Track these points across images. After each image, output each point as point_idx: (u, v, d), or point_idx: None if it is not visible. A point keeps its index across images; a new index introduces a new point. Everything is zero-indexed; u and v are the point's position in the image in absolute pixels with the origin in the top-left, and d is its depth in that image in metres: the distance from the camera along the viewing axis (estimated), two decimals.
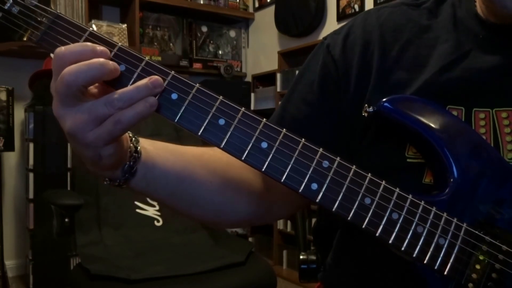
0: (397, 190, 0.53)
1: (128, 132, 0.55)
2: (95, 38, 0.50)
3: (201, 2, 3.35)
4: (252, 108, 3.37)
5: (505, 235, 0.54)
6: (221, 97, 0.51)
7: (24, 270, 2.75)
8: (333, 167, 0.52)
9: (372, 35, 0.68)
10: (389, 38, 0.67)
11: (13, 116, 2.37)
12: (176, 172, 0.60)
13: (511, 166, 0.57)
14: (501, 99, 0.60)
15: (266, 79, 3.39)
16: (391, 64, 0.65)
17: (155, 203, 2.07)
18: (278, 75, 3.17)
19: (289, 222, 3.07)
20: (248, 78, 3.63)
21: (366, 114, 0.58)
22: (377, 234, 0.52)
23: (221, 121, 0.50)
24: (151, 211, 2.06)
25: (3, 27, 0.50)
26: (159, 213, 2.06)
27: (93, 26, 2.80)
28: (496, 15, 0.62)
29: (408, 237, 0.52)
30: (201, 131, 0.50)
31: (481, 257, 0.53)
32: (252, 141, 0.51)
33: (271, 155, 0.51)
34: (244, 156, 0.51)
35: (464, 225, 0.54)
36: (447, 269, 0.53)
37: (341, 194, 0.51)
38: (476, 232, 0.54)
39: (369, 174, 0.53)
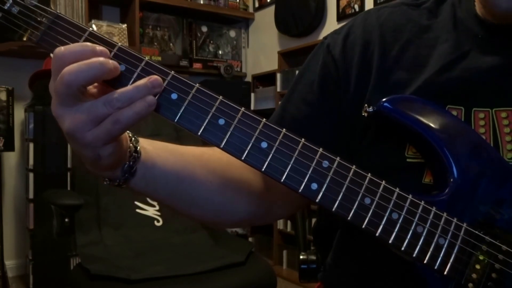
0: (397, 190, 0.53)
1: (128, 132, 0.55)
2: (94, 38, 0.50)
3: (201, 2, 3.35)
4: (252, 108, 3.37)
5: (505, 235, 0.54)
6: (221, 97, 0.51)
7: (24, 270, 2.75)
8: (333, 167, 0.52)
9: (372, 35, 0.68)
10: (389, 38, 0.67)
11: (13, 116, 2.37)
12: (176, 172, 0.60)
13: (511, 166, 0.57)
14: (501, 99, 0.60)
15: (266, 79, 3.39)
16: (391, 64, 0.65)
17: (155, 203, 2.07)
18: (278, 75, 3.17)
19: (289, 222, 3.07)
20: (248, 78, 3.63)
21: (366, 114, 0.58)
22: (377, 234, 0.52)
23: (221, 121, 0.50)
24: (151, 211, 2.06)
25: (2, 27, 0.50)
26: (159, 213, 2.06)
27: (93, 26, 2.80)
28: (493, 15, 0.62)
29: (408, 237, 0.52)
30: (201, 131, 0.50)
31: (481, 257, 0.53)
32: (252, 141, 0.51)
33: (271, 155, 0.51)
34: (244, 156, 0.51)
35: (464, 225, 0.54)
36: (447, 269, 0.53)
37: (341, 194, 0.51)
38: (476, 232, 0.54)
39: (369, 174, 0.53)
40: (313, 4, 2.92)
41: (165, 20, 3.33)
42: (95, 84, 0.50)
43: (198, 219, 0.70)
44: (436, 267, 0.53)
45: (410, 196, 0.53)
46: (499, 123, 0.60)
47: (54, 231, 1.68)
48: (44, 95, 2.32)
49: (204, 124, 0.50)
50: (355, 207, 0.51)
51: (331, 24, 2.92)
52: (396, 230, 0.52)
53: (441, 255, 0.53)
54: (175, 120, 0.50)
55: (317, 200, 0.51)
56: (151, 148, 0.58)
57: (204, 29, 3.51)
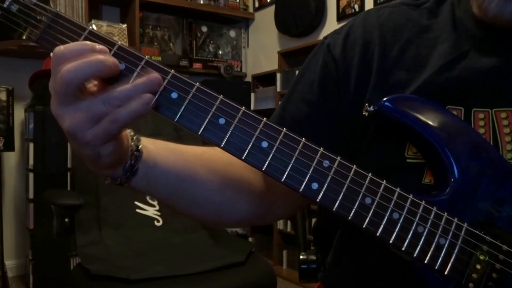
0: (398, 190, 0.53)
1: (130, 130, 0.55)
2: (94, 36, 0.50)
3: (201, 2, 3.35)
4: (252, 108, 3.37)
5: (506, 235, 0.54)
6: (221, 96, 0.51)
7: (24, 270, 2.75)
8: (333, 166, 0.52)
9: (372, 35, 0.68)
10: (389, 38, 0.67)
11: (13, 116, 2.37)
12: (177, 171, 0.60)
13: (511, 165, 0.57)
14: (501, 99, 0.60)
15: (266, 79, 3.39)
16: (391, 64, 0.65)
17: (155, 203, 2.07)
18: (278, 75, 3.17)
19: (289, 222, 3.07)
20: (248, 78, 3.63)
21: (366, 114, 0.58)
22: (377, 234, 0.52)
23: (222, 120, 0.50)
24: (151, 211, 2.06)
25: (2, 26, 0.50)
26: (159, 213, 2.06)
27: (93, 26, 2.80)
28: (487, 17, 0.62)
29: (409, 237, 0.52)
30: (201, 130, 0.50)
31: (481, 257, 0.53)
32: (253, 140, 0.51)
33: (271, 154, 0.51)
34: (245, 155, 0.50)
35: (465, 225, 0.54)
36: (447, 269, 0.53)
37: (342, 193, 0.51)
38: (477, 232, 0.54)
39: (370, 173, 0.53)
40: (313, 4, 2.92)
41: (165, 20, 3.33)
42: (95, 82, 0.50)
43: (198, 219, 0.70)
44: (436, 267, 0.52)
45: (410, 196, 0.53)
46: (498, 123, 0.60)
47: (54, 231, 1.68)
48: (44, 95, 2.32)
49: (205, 124, 0.50)
50: (355, 207, 0.51)
51: (331, 24, 2.92)
52: (396, 230, 0.52)
53: (442, 255, 0.53)
54: (175, 120, 0.50)
55: (317, 200, 0.51)
56: (153, 147, 0.58)
57: (204, 29, 3.51)
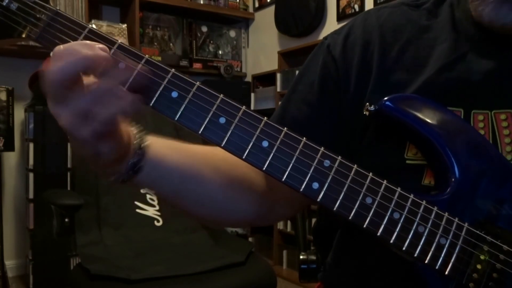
0: (399, 189, 0.53)
1: (134, 128, 0.55)
2: (94, 35, 0.50)
3: (201, 2, 3.35)
4: (252, 108, 3.37)
5: (506, 235, 0.54)
6: (221, 96, 0.51)
7: (24, 270, 2.75)
8: (334, 166, 0.52)
9: (372, 35, 0.68)
10: (389, 39, 0.67)
11: (13, 116, 2.37)
12: (182, 169, 0.59)
13: (511, 165, 0.57)
14: (500, 101, 0.60)
15: (266, 79, 3.39)
16: (391, 64, 0.65)
17: (155, 203, 2.07)
18: (278, 75, 3.17)
19: (289, 222, 3.07)
20: (248, 78, 3.63)
21: (367, 113, 0.58)
22: (378, 234, 0.52)
23: (222, 120, 0.50)
24: (151, 211, 2.06)
25: (1, 24, 0.50)
26: (159, 213, 2.06)
27: (93, 26, 2.79)
28: (484, 20, 0.62)
29: (410, 236, 0.52)
30: (201, 130, 0.50)
31: (482, 257, 0.53)
32: (253, 140, 0.50)
33: (272, 154, 0.50)
34: (245, 155, 0.50)
35: (466, 224, 0.54)
36: (448, 269, 0.53)
37: (342, 193, 0.51)
38: (477, 232, 0.54)
39: (371, 173, 0.52)
40: (313, 4, 2.92)
41: (165, 20, 3.33)
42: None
43: (201, 218, 0.70)
44: (437, 267, 0.52)
45: (411, 196, 0.53)
46: (498, 125, 0.60)
47: (54, 231, 1.68)
48: (44, 95, 2.32)
49: (205, 123, 0.50)
50: (356, 206, 0.51)
51: (331, 24, 2.92)
52: (397, 229, 0.52)
53: (443, 255, 0.53)
54: (176, 119, 0.50)
55: (318, 200, 0.51)
56: (158, 145, 0.58)
57: (204, 29, 3.51)
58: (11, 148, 2.37)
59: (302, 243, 1.18)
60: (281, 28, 3.18)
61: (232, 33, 3.65)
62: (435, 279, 0.53)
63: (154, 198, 2.09)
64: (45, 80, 0.46)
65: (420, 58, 0.64)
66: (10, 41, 0.51)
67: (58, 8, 0.51)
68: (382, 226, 0.52)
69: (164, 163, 0.57)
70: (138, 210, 2.04)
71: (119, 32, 2.92)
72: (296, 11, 3.02)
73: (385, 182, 0.53)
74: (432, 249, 0.52)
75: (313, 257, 1.06)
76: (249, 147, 0.50)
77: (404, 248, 0.52)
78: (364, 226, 0.51)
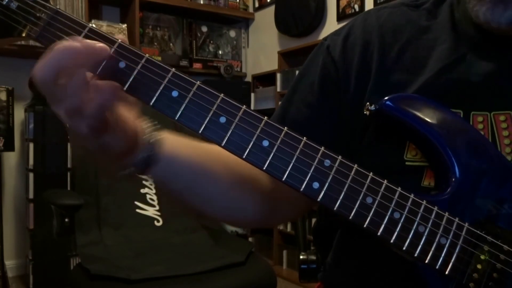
0: (399, 189, 0.53)
1: (147, 121, 0.55)
2: (94, 34, 0.50)
3: (201, 2, 3.35)
4: (252, 108, 3.33)
5: (507, 235, 0.54)
6: (222, 95, 0.51)
7: (24, 270, 2.75)
8: (334, 166, 0.51)
9: (371, 36, 0.68)
10: (389, 39, 0.67)
11: (13, 116, 2.37)
12: (195, 166, 0.59)
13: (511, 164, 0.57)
14: (499, 102, 0.60)
15: (266, 79, 3.39)
16: (390, 65, 0.65)
17: (155, 203, 2.07)
18: (278, 75, 3.17)
19: (289, 222, 3.07)
20: (248, 78, 3.63)
21: (367, 113, 0.58)
22: (378, 234, 0.52)
23: (222, 119, 0.50)
24: (151, 211, 2.06)
25: (1, 23, 0.49)
26: (159, 213, 2.06)
27: (93, 26, 2.79)
28: (480, 21, 0.62)
29: (410, 236, 0.52)
30: (202, 129, 0.50)
31: (482, 257, 0.53)
32: (254, 139, 0.50)
33: (272, 153, 0.50)
34: (245, 154, 0.50)
35: (466, 224, 0.54)
36: (448, 269, 0.52)
37: (343, 193, 0.51)
38: (478, 231, 0.54)
39: (371, 173, 0.52)
40: (313, 4, 2.92)
41: (165, 20, 3.33)
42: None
43: (210, 216, 0.69)
44: (437, 267, 0.52)
45: (412, 196, 0.53)
46: (497, 126, 0.60)
47: (54, 231, 1.68)
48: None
49: (205, 122, 0.50)
50: (356, 206, 0.51)
51: (331, 24, 2.92)
52: (397, 229, 0.52)
53: (443, 254, 0.52)
54: (176, 118, 0.50)
55: (318, 199, 0.51)
56: (172, 140, 0.58)
57: (204, 29, 3.51)
58: (11, 148, 2.37)
59: (302, 243, 1.18)
60: (281, 28, 3.18)
61: (232, 33, 3.65)
62: (435, 279, 0.53)
63: (154, 198, 2.09)
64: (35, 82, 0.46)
65: (419, 59, 0.65)
66: (10, 40, 0.51)
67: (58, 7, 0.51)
68: (383, 226, 0.52)
69: (178, 158, 0.57)
70: (138, 210, 2.04)
71: (119, 32, 2.92)
72: (296, 11, 3.02)
73: (385, 182, 0.52)
74: (433, 249, 0.52)
75: (313, 257, 1.06)
76: (250, 147, 0.50)
77: (404, 248, 0.52)
78: (365, 226, 0.51)
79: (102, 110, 0.46)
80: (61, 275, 2.23)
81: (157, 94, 0.49)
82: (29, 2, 0.50)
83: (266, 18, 3.42)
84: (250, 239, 3.33)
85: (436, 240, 0.52)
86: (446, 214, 0.53)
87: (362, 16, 0.72)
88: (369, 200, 0.52)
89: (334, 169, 0.51)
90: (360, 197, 0.51)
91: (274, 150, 0.50)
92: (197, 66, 3.41)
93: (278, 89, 3.15)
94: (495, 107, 0.60)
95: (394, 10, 0.70)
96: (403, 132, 0.60)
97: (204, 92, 0.50)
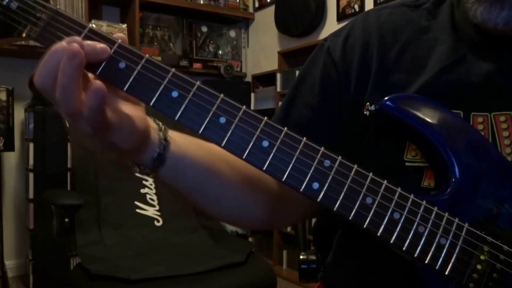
0: (399, 189, 0.53)
1: (155, 119, 0.55)
2: (95, 34, 0.50)
3: (201, 2, 3.35)
4: (252, 108, 3.33)
5: (506, 235, 0.54)
6: (222, 95, 0.51)
7: (24, 270, 2.75)
8: (334, 166, 0.52)
9: (371, 36, 0.68)
10: (389, 39, 0.67)
11: (13, 116, 2.37)
12: (204, 165, 0.59)
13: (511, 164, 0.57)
14: (499, 103, 0.60)
15: (266, 79, 3.39)
16: (390, 65, 0.65)
17: (155, 203, 2.07)
18: (278, 75, 3.17)
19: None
20: (248, 78, 3.63)
21: (367, 113, 0.58)
22: (378, 234, 0.52)
23: (222, 120, 0.50)
24: (151, 211, 2.06)
25: (1, 23, 0.49)
26: (159, 213, 2.06)
27: (93, 26, 2.79)
28: (478, 21, 0.62)
29: (410, 237, 0.52)
30: (201, 130, 0.50)
31: (482, 257, 0.53)
32: (253, 139, 0.50)
33: (272, 153, 0.50)
34: (245, 154, 0.50)
35: (466, 225, 0.54)
36: (448, 269, 0.53)
37: (343, 193, 0.51)
38: (478, 232, 0.54)
39: (371, 173, 0.52)
40: (313, 4, 2.92)
41: (165, 20, 3.33)
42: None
43: (219, 217, 0.69)
44: (437, 267, 0.52)
45: (411, 196, 0.53)
46: (497, 127, 0.60)
47: (54, 231, 1.68)
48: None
49: (205, 123, 0.50)
50: (356, 206, 0.51)
51: (331, 24, 2.92)
52: (397, 230, 0.52)
53: (443, 255, 0.53)
54: (176, 118, 0.50)
55: (318, 200, 0.51)
56: (179, 139, 0.57)
57: (204, 29, 3.51)
58: (11, 148, 2.37)
59: (302, 243, 1.18)
60: (281, 28, 3.18)
61: (232, 33, 3.65)
62: (435, 279, 0.53)
63: (154, 198, 2.09)
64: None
65: (419, 59, 0.65)
66: (10, 40, 0.51)
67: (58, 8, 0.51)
68: (382, 226, 0.52)
69: (188, 156, 0.57)
70: (138, 210, 2.04)
71: (119, 32, 2.92)
72: (296, 11, 3.01)
73: (385, 182, 0.52)
74: (432, 249, 0.52)
75: (313, 257, 1.06)
76: (249, 147, 0.50)
77: (404, 248, 0.52)
78: (364, 226, 0.51)
79: (95, 112, 0.46)
80: (61, 275, 2.23)
81: (157, 95, 0.49)
82: (29, 2, 0.50)
83: (266, 18, 3.42)
84: (250, 239, 3.33)
85: (436, 240, 0.52)
86: (446, 214, 0.53)
87: (362, 16, 0.72)
88: (369, 200, 0.52)
89: (334, 169, 0.51)
90: (360, 198, 0.51)
91: (274, 151, 0.50)
92: (197, 66, 3.41)
93: (278, 89, 3.15)
94: (495, 107, 0.60)
95: (394, 10, 0.70)
96: (403, 132, 0.60)
97: (204, 93, 0.50)
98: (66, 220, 1.64)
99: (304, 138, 0.52)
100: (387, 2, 0.86)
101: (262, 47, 3.53)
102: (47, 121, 2.33)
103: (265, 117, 0.51)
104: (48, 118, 2.33)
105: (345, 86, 0.67)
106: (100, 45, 0.48)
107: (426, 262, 0.52)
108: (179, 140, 0.57)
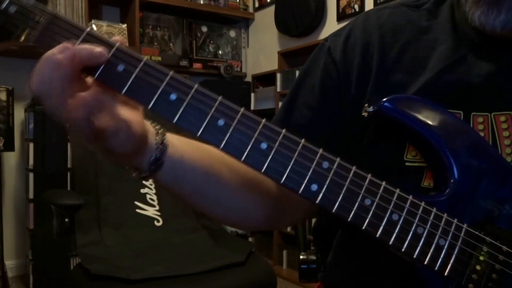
0: (397, 191, 0.53)
1: (154, 123, 0.55)
2: (93, 37, 0.50)
3: (201, 2, 3.35)
4: (252, 108, 3.37)
5: (506, 235, 0.54)
6: (220, 98, 0.51)
7: (24, 270, 2.75)
8: (333, 168, 0.51)
9: (372, 36, 0.68)
10: (389, 39, 0.67)
11: (13, 116, 2.37)
12: (203, 168, 0.59)
13: (511, 165, 0.57)
14: (499, 103, 0.60)
15: (266, 79, 3.38)
16: (390, 66, 0.65)
17: (155, 203, 2.07)
18: (278, 75, 3.17)
19: None
20: (248, 78, 3.63)
21: (366, 114, 0.58)
22: (377, 235, 0.52)
23: (220, 122, 0.50)
24: (151, 211, 2.06)
25: (0, 27, 0.50)
26: (159, 213, 2.06)
27: (93, 26, 2.80)
28: (476, 24, 0.62)
29: (409, 238, 0.52)
30: (200, 132, 0.50)
31: (481, 258, 0.53)
32: (252, 142, 0.50)
33: (270, 156, 0.50)
34: (244, 157, 0.50)
35: (465, 225, 0.54)
36: (447, 270, 0.53)
37: (341, 195, 0.51)
38: (477, 233, 0.54)
39: (369, 175, 0.52)
40: (313, 4, 2.92)
41: (165, 20, 3.33)
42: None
43: (220, 219, 0.69)
44: (436, 268, 0.52)
45: (410, 197, 0.53)
46: (498, 127, 0.60)
47: (54, 231, 1.68)
48: None
49: (204, 125, 0.50)
50: (355, 208, 0.51)
51: (331, 24, 2.92)
52: (396, 231, 0.52)
53: (442, 256, 0.53)
54: (174, 121, 0.50)
55: (317, 202, 0.51)
56: (178, 142, 0.57)
57: (204, 29, 3.51)
58: (11, 148, 2.37)
59: (302, 243, 1.18)
60: (281, 28, 3.18)
61: (232, 33, 3.65)
62: (435, 280, 0.53)
63: (154, 198, 2.09)
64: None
65: (419, 59, 0.65)
66: (8, 44, 0.51)
67: (58, 8, 0.51)
68: (381, 228, 0.52)
69: (186, 159, 0.57)
70: (138, 210, 2.04)
71: (119, 32, 2.92)
72: (296, 11, 3.01)
73: (383, 183, 0.52)
74: (431, 250, 0.52)
75: (313, 257, 1.06)
76: (248, 149, 0.50)
77: (403, 250, 0.52)
78: (363, 227, 0.51)
79: (82, 123, 0.46)
80: (61, 275, 2.23)
81: (155, 97, 0.49)
82: (28, 6, 0.50)
83: (266, 18, 3.42)
84: (250, 239, 3.33)
85: (435, 241, 0.53)
86: (445, 215, 0.53)
87: (362, 16, 0.72)
88: (367, 202, 0.52)
89: (333, 171, 0.51)
90: (359, 199, 0.51)
91: (272, 153, 0.50)
92: (197, 66, 3.41)
93: (278, 89, 3.15)
94: (495, 107, 0.60)
95: (394, 10, 0.70)
96: (401, 133, 0.60)
97: (202, 95, 0.50)
98: (66, 220, 1.64)
99: (303, 140, 0.51)
100: (387, 2, 0.86)
101: (262, 47, 3.53)
102: (47, 121, 2.33)
103: (264, 119, 0.51)
104: (48, 118, 2.32)
105: (346, 86, 0.67)
106: (98, 49, 0.48)
107: (425, 263, 0.52)
108: (177, 143, 0.57)
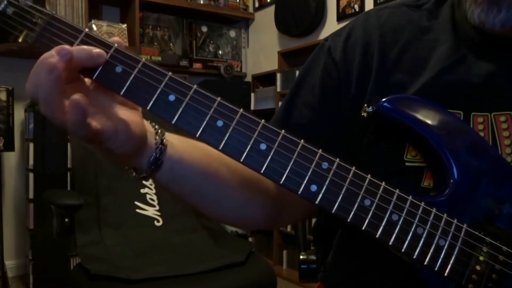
0: (397, 191, 0.53)
1: (153, 123, 0.55)
2: (91, 39, 0.50)
3: (201, 2, 3.35)
4: (252, 108, 3.37)
5: (506, 236, 0.54)
6: (219, 99, 0.51)
7: (24, 270, 2.75)
8: (332, 168, 0.51)
9: (372, 36, 0.68)
10: (389, 39, 0.67)
11: (13, 116, 2.37)
12: (202, 168, 0.59)
13: (511, 165, 0.57)
14: (499, 103, 0.60)
15: (266, 79, 3.38)
16: (390, 66, 0.65)
17: (155, 203, 2.07)
18: (278, 75, 3.17)
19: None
20: (248, 78, 3.63)
21: (365, 114, 0.58)
22: (377, 236, 0.52)
23: (219, 123, 0.50)
24: (151, 211, 2.06)
25: None
26: (159, 213, 2.06)
27: (93, 26, 2.79)
28: (476, 23, 0.62)
29: (408, 238, 0.52)
30: (199, 133, 0.50)
31: (481, 258, 0.53)
32: (251, 142, 0.50)
33: (269, 156, 0.50)
34: (243, 158, 0.50)
35: (464, 226, 0.54)
36: (447, 270, 0.53)
37: (341, 195, 0.51)
38: (476, 233, 0.54)
39: (369, 175, 0.52)
40: (313, 4, 2.91)
41: (165, 20, 3.33)
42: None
43: (219, 219, 0.69)
44: (436, 269, 0.52)
45: (410, 198, 0.53)
46: (498, 127, 0.60)
47: (54, 231, 1.68)
48: None
49: (202, 126, 0.50)
50: (354, 208, 0.51)
51: (331, 24, 2.92)
52: (396, 231, 0.52)
53: (441, 256, 0.53)
54: (173, 122, 0.49)
55: (316, 202, 0.51)
56: (177, 142, 0.57)
57: (204, 29, 3.51)
58: (11, 148, 2.37)
59: (302, 243, 1.18)
60: (281, 28, 3.18)
61: (232, 33, 3.65)
62: (435, 280, 0.53)
63: (154, 198, 2.09)
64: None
65: (420, 60, 0.64)
66: (6, 45, 0.51)
67: (57, 8, 0.51)
68: (381, 228, 0.52)
69: (185, 159, 0.57)
70: (138, 210, 2.04)
71: (119, 32, 2.92)
72: (296, 11, 3.01)
73: (383, 183, 0.52)
74: (431, 250, 0.52)
75: (313, 257, 1.06)
76: (247, 150, 0.50)
77: (403, 250, 0.52)
78: (363, 228, 0.51)
79: (78, 126, 0.46)
80: (61, 275, 2.24)
81: (154, 98, 0.49)
82: (25, 8, 0.50)
83: (266, 18, 3.42)
84: (250, 239, 3.33)
85: (435, 241, 0.52)
86: (445, 215, 0.53)
87: (362, 16, 0.72)
88: (367, 202, 0.52)
89: (332, 171, 0.51)
90: (358, 200, 0.51)
91: (271, 154, 0.50)
92: (197, 66, 3.41)
93: (278, 89, 3.15)
94: (495, 107, 0.60)
95: (394, 10, 0.70)
96: (401, 133, 0.60)
97: (201, 96, 0.50)
98: (66, 220, 1.64)
99: (302, 140, 0.51)
100: (387, 2, 0.86)
101: (262, 47, 3.53)
102: (47, 121, 2.29)
103: (263, 120, 0.51)
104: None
105: (346, 86, 0.67)
106: (96, 50, 0.48)
107: (425, 263, 0.52)
108: (176, 143, 0.57)
